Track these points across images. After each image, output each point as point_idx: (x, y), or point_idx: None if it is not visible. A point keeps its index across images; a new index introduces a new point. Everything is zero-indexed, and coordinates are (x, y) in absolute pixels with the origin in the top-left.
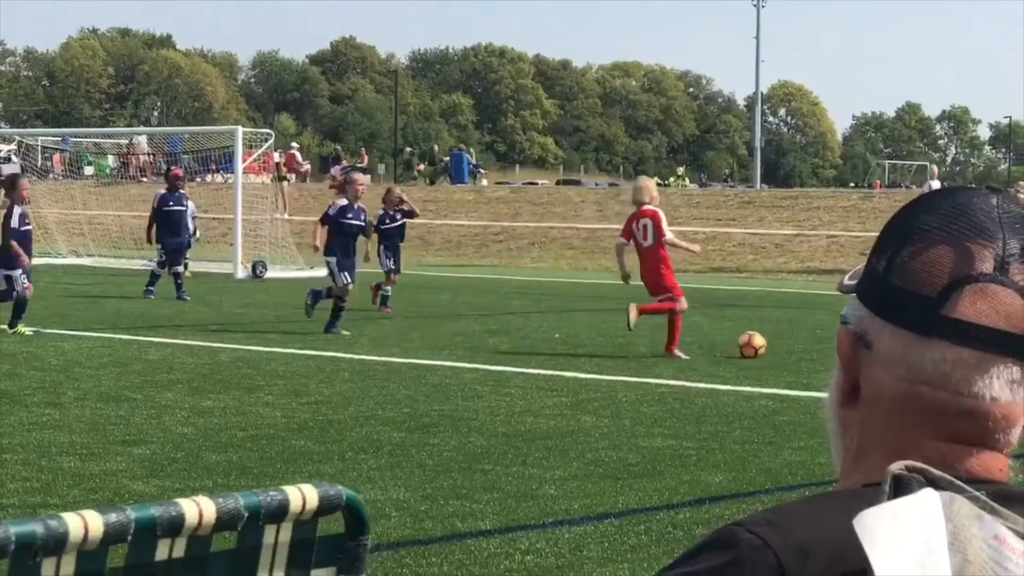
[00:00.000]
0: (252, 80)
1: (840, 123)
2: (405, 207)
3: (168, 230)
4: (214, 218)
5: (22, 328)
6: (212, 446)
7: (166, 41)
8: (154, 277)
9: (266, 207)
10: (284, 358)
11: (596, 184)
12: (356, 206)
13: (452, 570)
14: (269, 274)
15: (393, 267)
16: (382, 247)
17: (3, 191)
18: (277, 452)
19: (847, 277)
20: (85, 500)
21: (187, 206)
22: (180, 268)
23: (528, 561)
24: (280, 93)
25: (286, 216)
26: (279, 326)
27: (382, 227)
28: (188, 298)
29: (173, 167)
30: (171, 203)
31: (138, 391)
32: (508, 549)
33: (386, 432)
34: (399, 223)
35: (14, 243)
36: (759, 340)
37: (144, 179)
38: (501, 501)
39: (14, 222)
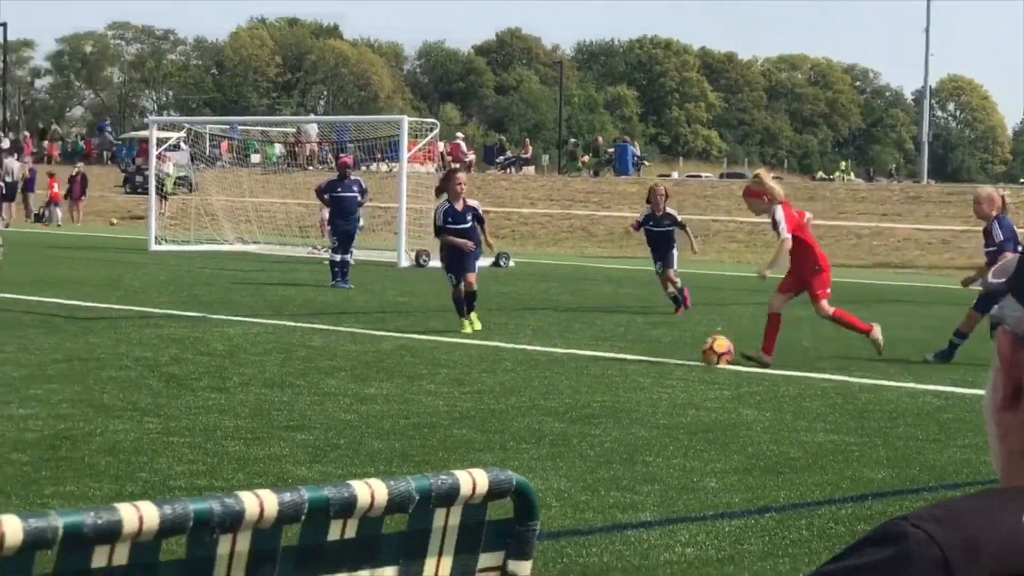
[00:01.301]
0: (418, 70)
1: (1011, 118)
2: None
3: (338, 215)
4: (379, 207)
5: (471, 320)
6: (375, 433)
7: (333, 31)
8: (335, 265)
9: (430, 196)
10: (447, 347)
11: None
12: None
13: (612, 560)
14: (432, 263)
15: (660, 270)
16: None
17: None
18: (439, 440)
19: (991, 275)
20: (249, 484)
21: (356, 192)
22: (348, 256)
23: (688, 553)
24: (445, 83)
25: None
26: (442, 315)
27: (644, 228)
28: (347, 286)
29: (342, 155)
30: (339, 189)
31: (302, 377)
32: (668, 541)
33: (548, 422)
34: (665, 228)
35: (446, 236)
36: (722, 345)
37: (310, 168)
38: (662, 493)
39: (439, 219)
